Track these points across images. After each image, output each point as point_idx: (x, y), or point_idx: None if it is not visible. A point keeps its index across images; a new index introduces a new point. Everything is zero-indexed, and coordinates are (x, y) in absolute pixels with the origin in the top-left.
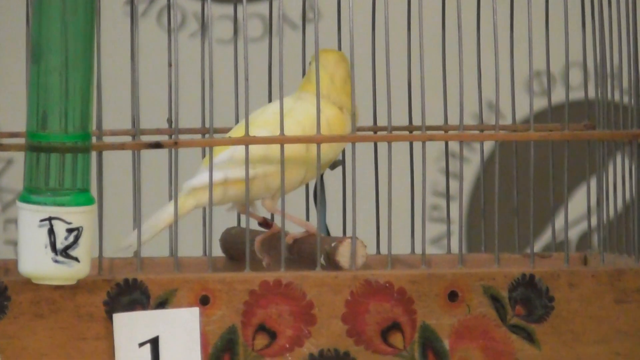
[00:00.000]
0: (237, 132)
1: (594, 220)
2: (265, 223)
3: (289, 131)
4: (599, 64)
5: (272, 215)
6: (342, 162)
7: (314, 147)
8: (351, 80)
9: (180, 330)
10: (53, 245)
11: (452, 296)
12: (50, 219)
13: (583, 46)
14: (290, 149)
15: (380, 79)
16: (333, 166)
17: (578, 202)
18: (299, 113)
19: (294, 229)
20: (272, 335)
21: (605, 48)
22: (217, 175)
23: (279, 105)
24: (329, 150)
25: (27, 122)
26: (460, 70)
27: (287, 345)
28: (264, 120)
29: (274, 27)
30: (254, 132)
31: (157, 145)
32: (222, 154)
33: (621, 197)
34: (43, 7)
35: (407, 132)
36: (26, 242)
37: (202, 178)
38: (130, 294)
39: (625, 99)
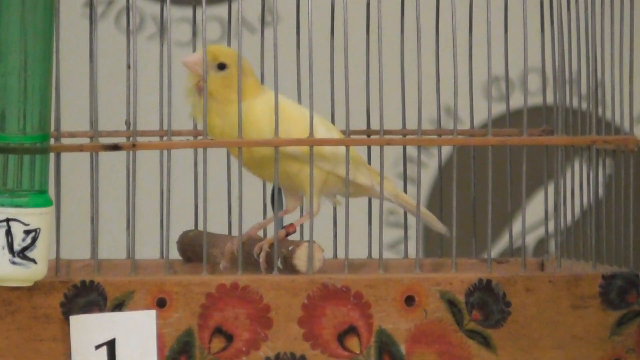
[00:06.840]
0: None
1: (551, 226)
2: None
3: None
4: (557, 70)
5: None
6: None
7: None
8: (310, 84)
9: (137, 332)
10: (10, 247)
11: (409, 301)
12: (7, 220)
13: (542, 51)
14: None
15: (339, 83)
16: None
17: (535, 208)
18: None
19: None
20: (229, 338)
21: (564, 53)
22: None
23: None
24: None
25: None
26: (419, 74)
27: (244, 349)
28: None
29: (232, 30)
30: None
31: (115, 148)
32: None
33: (579, 202)
34: (2, 7)
35: (365, 136)
36: None
37: None
38: (87, 295)
39: (584, 105)
